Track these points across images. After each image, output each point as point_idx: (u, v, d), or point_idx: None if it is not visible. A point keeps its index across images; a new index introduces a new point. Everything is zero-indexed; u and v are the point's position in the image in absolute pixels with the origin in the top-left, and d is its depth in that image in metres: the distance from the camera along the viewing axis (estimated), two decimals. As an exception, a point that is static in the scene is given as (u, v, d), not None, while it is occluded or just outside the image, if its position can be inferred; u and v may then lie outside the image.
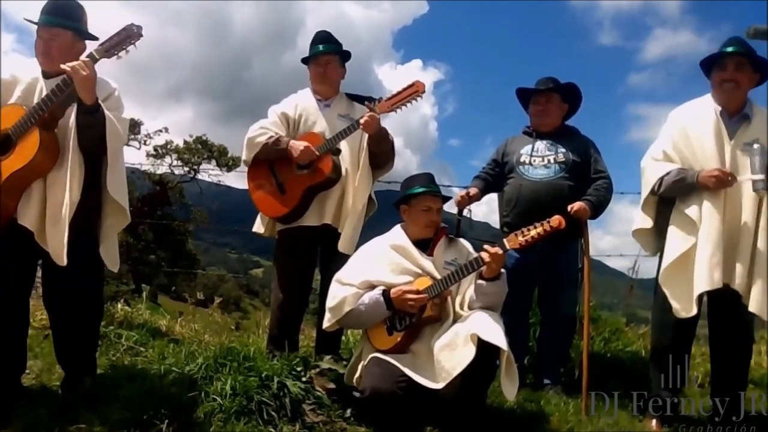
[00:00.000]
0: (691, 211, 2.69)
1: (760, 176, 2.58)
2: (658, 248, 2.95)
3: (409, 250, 2.68)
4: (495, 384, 2.81)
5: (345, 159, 3.05)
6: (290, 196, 3.00)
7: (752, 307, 2.61)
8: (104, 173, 2.54)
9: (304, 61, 3.24)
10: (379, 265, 2.68)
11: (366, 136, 3.00)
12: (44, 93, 2.47)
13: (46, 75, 2.55)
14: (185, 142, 27.34)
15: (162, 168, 26.25)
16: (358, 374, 2.64)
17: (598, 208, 3.22)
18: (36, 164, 2.39)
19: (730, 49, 2.77)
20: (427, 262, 2.65)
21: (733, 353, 2.78)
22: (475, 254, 2.61)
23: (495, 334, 2.32)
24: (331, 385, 2.72)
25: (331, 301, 2.69)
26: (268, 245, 3.42)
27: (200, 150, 27.13)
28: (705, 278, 2.58)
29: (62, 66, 2.38)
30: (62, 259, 2.38)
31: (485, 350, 2.30)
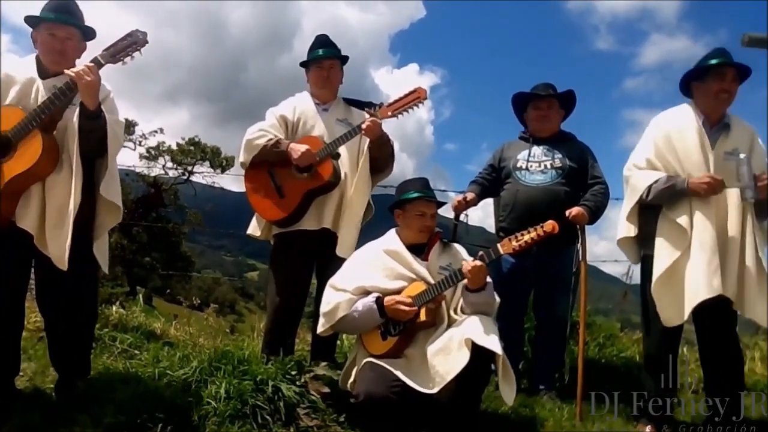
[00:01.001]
0: (682, 219, 2.70)
1: (749, 184, 2.61)
2: (640, 256, 2.97)
3: (403, 255, 2.68)
4: (489, 389, 2.81)
5: (344, 163, 3.05)
6: (289, 200, 2.99)
7: (748, 314, 2.62)
8: (98, 174, 2.53)
9: (303, 64, 3.25)
10: (373, 270, 2.69)
11: (366, 140, 3.00)
12: (41, 94, 2.45)
13: (43, 75, 2.52)
14: (178, 144, 27.37)
15: (156, 170, 26.26)
16: (352, 379, 2.64)
17: (595, 213, 3.23)
18: (39, 168, 2.38)
19: (716, 60, 2.77)
20: (421, 267, 2.65)
21: (723, 354, 2.79)
22: (470, 259, 2.62)
23: (489, 338, 2.33)
24: (326, 390, 2.72)
25: (325, 307, 2.69)
26: (263, 248, 3.42)
27: (193, 151, 27.14)
28: (704, 286, 2.58)
29: (66, 71, 2.38)
30: (64, 263, 2.37)
31: (479, 355, 2.31)
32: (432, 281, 2.59)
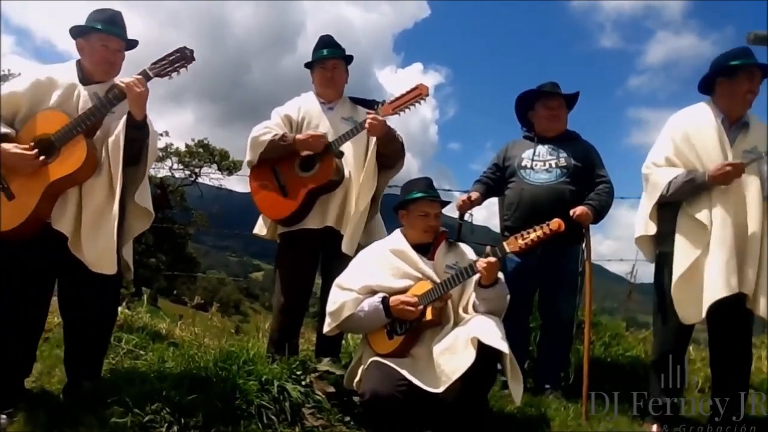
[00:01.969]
0: (702, 215, 2.68)
1: None
2: (656, 254, 2.95)
3: (409, 255, 2.69)
4: (495, 389, 2.81)
5: (349, 162, 3.05)
6: (293, 198, 2.99)
7: (761, 312, 2.60)
8: (129, 181, 2.56)
9: (308, 65, 3.25)
10: (379, 269, 2.69)
11: (373, 139, 3.00)
12: (82, 99, 2.50)
13: (84, 81, 2.56)
14: (186, 145, 27.43)
15: (162, 171, 26.33)
16: (358, 378, 2.64)
17: (600, 212, 3.23)
18: (81, 173, 2.42)
19: (745, 61, 2.75)
20: (427, 267, 2.65)
21: (734, 355, 2.78)
22: (476, 257, 2.61)
23: (495, 337, 2.33)
24: (331, 389, 2.72)
25: (331, 306, 2.69)
26: (268, 249, 3.42)
27: (202, 153, 27.20)
28: (722, 284, 2.57)
29: (118, 81, 2.46)
30: (99, 267, 2.41)
31: (485, 354, 2.30)
32: (438, 280, 2.59)
